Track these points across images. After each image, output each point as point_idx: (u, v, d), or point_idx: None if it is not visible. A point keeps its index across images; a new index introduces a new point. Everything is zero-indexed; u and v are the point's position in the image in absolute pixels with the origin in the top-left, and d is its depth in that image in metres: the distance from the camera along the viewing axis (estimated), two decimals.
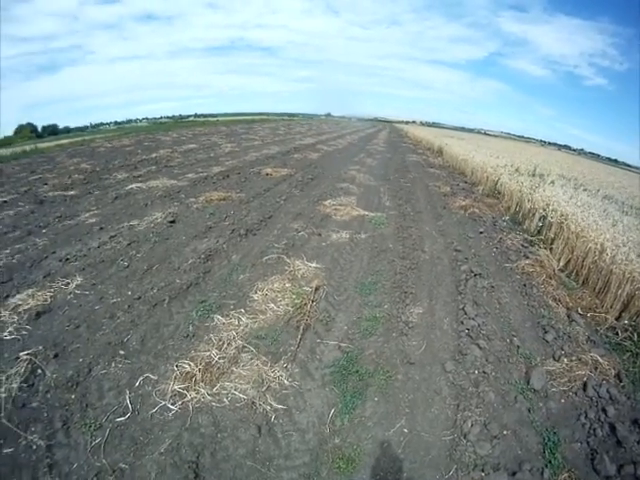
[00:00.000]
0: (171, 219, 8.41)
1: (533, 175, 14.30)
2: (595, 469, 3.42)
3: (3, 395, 3.53)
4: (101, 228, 7.81)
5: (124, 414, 3.47)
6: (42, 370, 3.88)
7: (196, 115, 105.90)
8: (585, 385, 4.31)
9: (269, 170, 14.76)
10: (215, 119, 73.04)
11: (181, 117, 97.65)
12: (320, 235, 8.08)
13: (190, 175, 13.42)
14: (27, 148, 22.27)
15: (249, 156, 18.72)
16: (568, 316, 5.79)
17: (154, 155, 17.75)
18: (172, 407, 3.54)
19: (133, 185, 11.48)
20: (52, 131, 59.07)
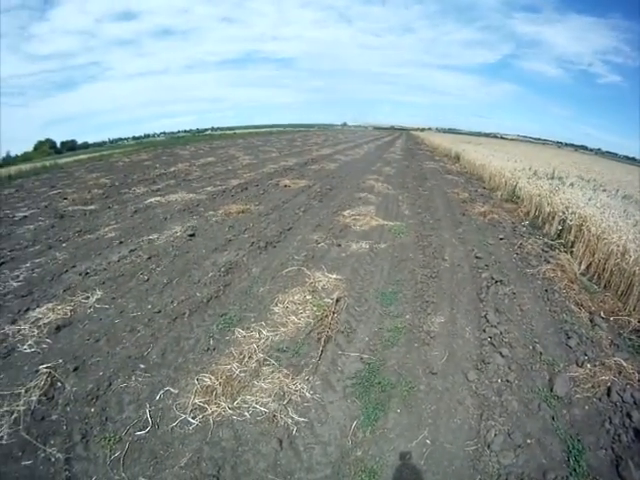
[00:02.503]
0: (190, 232, 8.46)
1: (551, 178, 14.17)
2: (620, 475, 3.33)
3: (22, 408, 3.56)
4: (121, 242, 7.90)
5: (144, 428, 3.47)
6: (62, 383, 3.92)
7: (213, 128, 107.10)
8: (609, 390, 4.20)
9: (287, 182, 14.84)
10: (232, 132, 73.50)
11: (198, 131, 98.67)
12: (340, 246, 8.06)
13: (209, 188, 13.55)
14: (47, 164, 22.71)
15: (267, 168, 18.85)
16: (591, 320, 5.68)
17: (172, 169, 17.98)
18: (192, 421, 3.53)
19: (152, 199, 11.64)
20: (71, 147, 59.99)
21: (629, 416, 3.88)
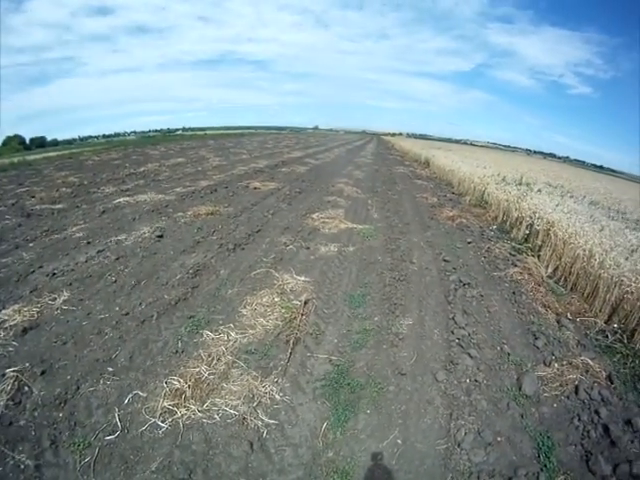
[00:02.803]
0: (159, 234, 8.36)
1: (520, 184, 14.46)
2: (591, 470, 3.44)
3: None
4: (88, 242, 7.76)
5: (113, 432, 3.42)
6: (29, 387, 3.83)
7: (184, 129, 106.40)
8: (577, 388, 4.34)
9: (257, 184, 14.82)
10: (203, 133, 73.07)
11: (169, 131, 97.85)
12: (308, 249, 8.08)
13: (178, 189, 13.42)
14: (15, 160, 22.32)
15: (237, 170, 18.80)
16: (558, 321, 5.83)
17: (142, 169, 17.74)
18: (162, 424, 3.49)
19: (121, 199, 11.45)
20: (40, 143, 58.54)
21: (597, 413, 4.00)
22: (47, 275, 6.19)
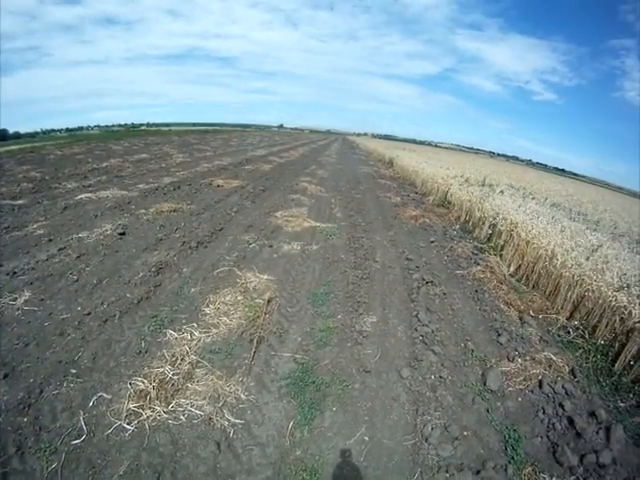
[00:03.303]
0: (121, 231, 8.21)
1: (483, 185, 14.81)
2: (558, 461, 3.55)
3: None
4: (50, 240, 7.54)
5: (79, 436, 3.33)
6: None
7: (148, 124, 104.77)
8: (541, 383, 4.48)
9: (220, 181, 14.77)
10: (168, 129, 72.03)
11: (133, 126, 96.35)
12: (271, 247, 8.11)
13: (141, 186, 13.19)
14: None
15: (201, 167, 18.62)
16: (520, 319, 5.99)
17: (105, 164, 17.31)
18: (128, 427, 3.43)
19: (83, 195, 11.16)
20: (2, 136, 56.47)
21: (561, 406, 4.15)
22: (7, 274, 5.99)
